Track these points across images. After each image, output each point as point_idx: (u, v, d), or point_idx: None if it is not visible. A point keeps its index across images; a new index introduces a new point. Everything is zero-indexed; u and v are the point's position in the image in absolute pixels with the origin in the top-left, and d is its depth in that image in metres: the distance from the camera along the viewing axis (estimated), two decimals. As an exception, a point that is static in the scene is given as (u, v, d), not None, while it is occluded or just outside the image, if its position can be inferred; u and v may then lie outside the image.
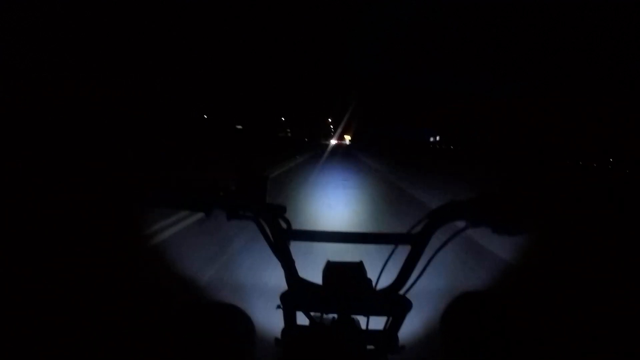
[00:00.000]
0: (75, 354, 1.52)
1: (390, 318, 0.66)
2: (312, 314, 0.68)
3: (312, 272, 0.73)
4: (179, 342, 0.65)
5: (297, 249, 0.68)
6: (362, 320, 0.72)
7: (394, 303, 0.64)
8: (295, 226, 0.68)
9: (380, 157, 22.83)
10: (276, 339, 0.69)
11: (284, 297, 0.66)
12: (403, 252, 0.65)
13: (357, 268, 0.65)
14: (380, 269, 0.68)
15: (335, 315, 0.67)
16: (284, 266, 0.66)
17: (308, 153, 20.67)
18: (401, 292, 0.64)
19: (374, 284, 0.66)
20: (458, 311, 0.67)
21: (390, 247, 0.68)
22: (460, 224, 0.64)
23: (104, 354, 1.51)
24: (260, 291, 2.16)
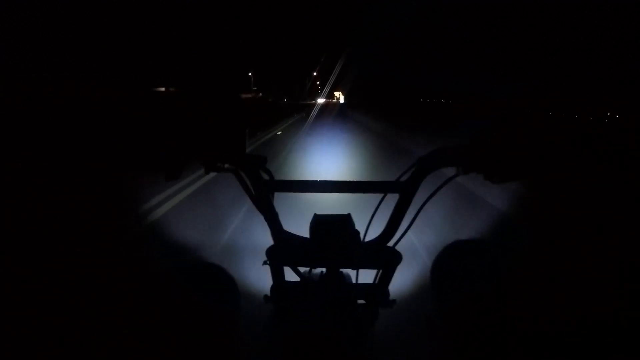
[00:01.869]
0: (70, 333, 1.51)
1: (380, 271, 0.64)
2: (300, 269, 0.67)
3: (300, 226, 0.72)
4: (166, 307, 0.63)
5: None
6: (351, 274, 0.71)
7: (383, 255, 0.63)
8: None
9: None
10: (265, 296, 0.67)
11: (270, 252, 0.65)
12: (393, 202, 0.64)
13: (345, 220, 0.64)
14: (369, 219, 0.67)
15: (324, 270, 0.65)
16: (267, 220, 0.64)
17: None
18: (390, 243, 0.63)
19: (362, 236, 0.64)
20: (449, 260, 0.66)
21: (379, 198, 0.67)
22: (451, 171, 0.62)
23: (85, 318, 1.51)
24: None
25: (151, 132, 0.62)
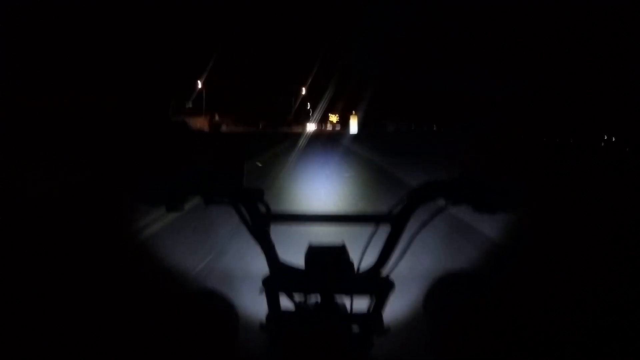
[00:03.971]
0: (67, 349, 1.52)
1: (374, 299, 0.66)
2: (295, 297, 0.68)
3: (294, 255, 0.73)
4: (163, 331, 0.65)
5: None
6: (346, 302, 0.72)
7: (376, 284, 0.64)
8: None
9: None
10: (261, 324, 0.68)
11: (266, 281, 0.66)
12: (386, 232, 0.65)
13: (339, 250, 0.65)
14: (362, 249, 0.68)
15: (319, 299, 0.67)
16: (264, 250, 0.66)
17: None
18: (383, 272, 0.64)
19: (356, 265, 0.66)
20: (441, 291, 0.67)
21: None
22: (441, 202, 0.64)
23: (88, 342, 1.51)
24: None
25: (152, 164, 0.64)
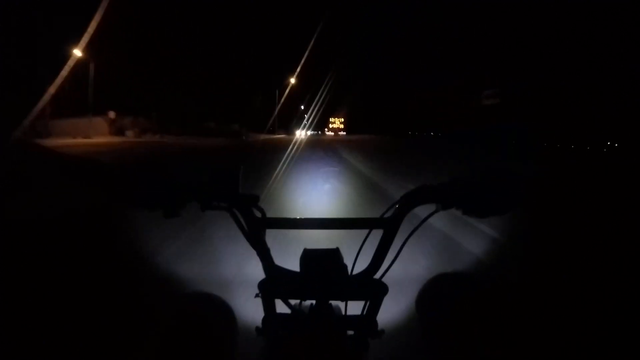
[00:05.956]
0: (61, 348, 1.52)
1: (368, 303, 0.66)
2: (291, 301, 0.69)
3: (290, 260, 0.74)
4: (161, 333, 0.66)
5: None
6: (341, 306, 0.73)
7: (370, 287, 0.65)
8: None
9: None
10: (257, 328, 0.69)
11: (262, 285, 0.67)
12: (379, 234, 0.66)
13: (334, 254, 0.66)
14: (356, 254, 0.69)
15: (314, 302, 0.68)
16: (259, 255, 0.66)
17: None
18: (377, 276, 0.65)
19: (350, 269, 0.67)
20: (433, 292, 0.68)
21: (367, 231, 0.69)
22: (432, 207, 0.65)
23: (85, 342, 1.52)
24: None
25: (150, 172, 0.65)
